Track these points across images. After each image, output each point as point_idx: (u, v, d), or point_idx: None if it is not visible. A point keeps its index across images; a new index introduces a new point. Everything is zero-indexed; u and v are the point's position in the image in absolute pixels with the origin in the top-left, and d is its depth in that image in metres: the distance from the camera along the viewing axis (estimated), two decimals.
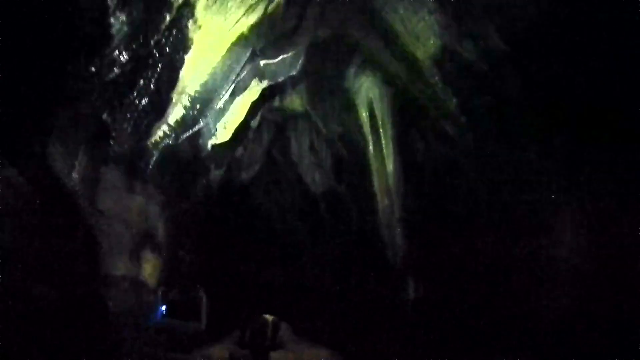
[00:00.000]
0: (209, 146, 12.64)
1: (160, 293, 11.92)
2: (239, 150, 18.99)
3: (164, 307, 12.45)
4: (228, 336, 13.56)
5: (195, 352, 11.90)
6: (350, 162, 16.49)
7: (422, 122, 11.34)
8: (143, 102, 8.48)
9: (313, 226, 19.50)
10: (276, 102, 17.33)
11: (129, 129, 8.57)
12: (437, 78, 9.93)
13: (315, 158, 18.27)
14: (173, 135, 10.15)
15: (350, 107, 14.77)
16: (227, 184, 19.34)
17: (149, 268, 11.94)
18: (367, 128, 12.72)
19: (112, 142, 8.37)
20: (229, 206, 20.02)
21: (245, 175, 20.21)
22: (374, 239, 15.58)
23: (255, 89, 12.84)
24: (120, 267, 10.67)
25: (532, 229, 9.97)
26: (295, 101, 16.96)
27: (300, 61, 13.17)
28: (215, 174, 19.03)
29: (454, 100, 9.93)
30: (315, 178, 18.68)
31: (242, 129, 14.01)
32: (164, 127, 9.66)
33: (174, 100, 9.45)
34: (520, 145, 9.81)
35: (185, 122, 10.38)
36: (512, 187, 10.07)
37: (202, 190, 18.45)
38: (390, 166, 11.89)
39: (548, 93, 9.24)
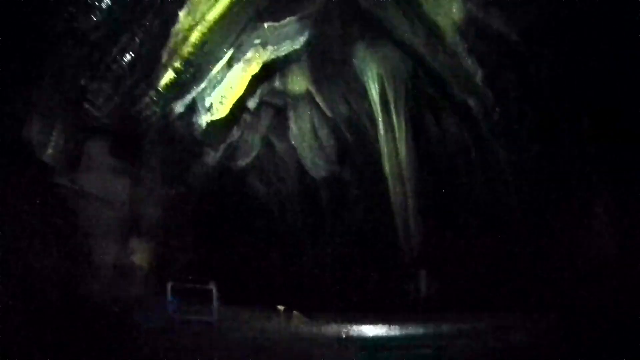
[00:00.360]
0: (204, 124, 11.35)
1: (169, 286, 11.30)
2: (236, 135, 17.99)
3: (174, 300, 11.81)
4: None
5: (207, 343, 11.14)
6: (356, 147, 15.38)
7: (441, 99, 10.21)
8: (126, 59, 7.21)
9: (314, 215, 18.44)
10: (277, 83, 16.23)
11: (111, 93, 7.30)
12: (461, 48, 8.79)
13: (316, 142, 17.15)
14: (162, 103, 8.78)
15: (357, 85, 13.66)
16: (223, 171, 18.35)
17: (140, 257, 11.09)
18: (377, 108, 11.52)
19: (92, 110, 7.12)
20: (224, 193, 18.97)
21: (242, 162, 19.14)
22: (382, 228, 14.60)
23: (256, 62, 11.58)
24: (105, 255, 9.66)
25: (562, 220, 9.05)
26: (297, 82, 15.82)
27: (305, 33, 11.94)
28: (211, 157, 18.06)
29: (480, 73, 8.80)
30: (318, 163, 17.57)
31: (239, 107, 12.75)
32: (152, 93, 8.36)
33: (163, 60, 8.19)
34: (552, 124, 8.75)
35: (176, 89, 9.05)
36: (540, 173, 9.03)
37: (197, 175, 17.54)
38: (402, 150, 10.74)
39: (585, 68, 8.24)
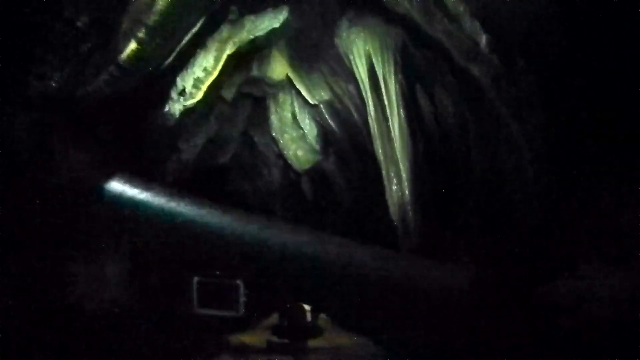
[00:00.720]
0: (177, 112, 10.10)
1: (195, 282, 11.65)
2: (213, 128, 16.85)
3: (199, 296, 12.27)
4: (265, 324, 12.97)
5: (233, 339, 11.55)
6: (341, 134, 14.30)
7: (435, 72, 9.15)
8: (79, 24, 5.90)
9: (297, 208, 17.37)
10: (254, 71, 15.08)
11: (61, 63, 6.00)
12: (462, 11, 7.72)
13: (299, 133, 16.06)
14: (121, 75, 7.45)
15: (341, 68, 12.56)
16: (201, 168, 17.20)
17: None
18: (365, 87, 10.40)
19: (36, 85, 5.83)
20: (202, 191, 17.80)
21: (221, 159, 17.97)
22: (375, 220, 13.60)
23: (232, 41, 10.37)
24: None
25: (568, 208, 8.08)
26: (276, 69, 14.67)
27: (284, 11, 10.80)
28: (186, 153, 16.96)
29: (484, 38, 7.75)
30: (298, 154, 16.49)
31: (215, 92, 11.52)
32: (112, 68, 7.04)
33: (124, 27, 6.92)
34: (564, 94, 7.76)
35: (141, 63, 7.71)
36: (555, 147, 8.03)
37: (172, 171, 16.42)
38: (396, 130, 9.65)
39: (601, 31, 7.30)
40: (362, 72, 10.33)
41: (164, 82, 9.26)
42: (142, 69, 7.90)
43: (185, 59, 9.57)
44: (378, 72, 9.86)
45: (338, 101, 13.32)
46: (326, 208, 17.17)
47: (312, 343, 11.62)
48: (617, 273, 7.51)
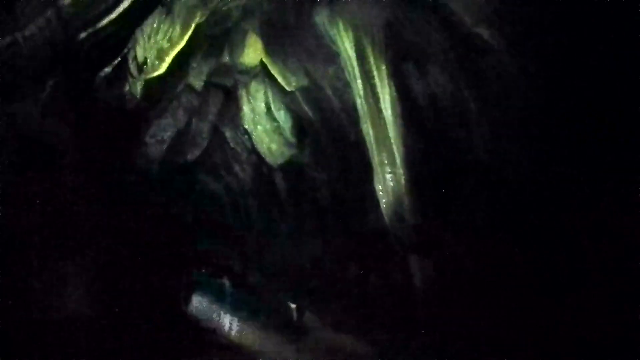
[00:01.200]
0: (138, 90, 8.66)
1: (183, 280, 12.02)
2: (181, 120, 15.52)
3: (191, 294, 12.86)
4: (253, 323, 12.95)
5: (222, 338, 11.84)
6: (318, 122, 13.04)
7: (436, 43, 8.00)
8: None
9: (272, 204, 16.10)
10: (226, 58, 13.81)
11: None
12: None
13: (273, 125, 14.80)
14: (60, 24, 5.89)
15: (320, 50, 11.36)
16: (168, 165, 15.85)
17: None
18: (352, 64, 9.14)
19: None
20: (170, 190, 16.44)
21: (190, 156, 16.61)
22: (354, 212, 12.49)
23: (200, 11, 9.03)
24: None
25: (573, 192, 7.21)
26: (249, 54, 13.42)
27: None
28: (153, 147, 15.67)
29: None
30: (272, 147, 15.23)
31: (182, 67, 10.15)
32: (49, 12, 5.50)
33: None
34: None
35: (84, 8, 6.12)
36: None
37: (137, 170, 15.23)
38: (389, 110, 8.44)
39: None
40: (348, 49, 9.09)
41: (117, 48, 7.74)
42: (84, 19, 6.31)
43: (147, 30, 8.17)
44: (366, 48, 8.64)
45: (316, 87, 12.08)
46: (302, 204, 15.96)
47: (298, 341, 11.37)
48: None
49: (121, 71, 8.15)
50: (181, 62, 9.56)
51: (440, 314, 8.56)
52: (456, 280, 8.39)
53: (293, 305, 12.36)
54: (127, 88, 8.50)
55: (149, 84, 8.68)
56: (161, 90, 9.82)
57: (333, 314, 12.42)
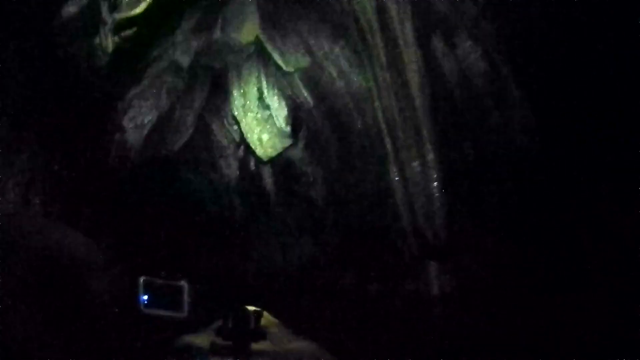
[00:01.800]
0: (110, 46, 6.95)
1: (141, 281, 9.78)
2: (164, 104, 13.97)
3: (145, 297, 10.24)
4: (209, 326, 11.72)
5: (176, 340, 11.30)
6: (318, 109, 11.49)
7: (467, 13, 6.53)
8: None
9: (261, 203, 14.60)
10: (218, 34, 12.31)
11: None
12: None
13: (265, 112, 13.29)
14: None
15: (325, 26, 9.85)
16: (148, 158, 14.29)
17: None
18: (374, 29, 7.55)
19: None
20: (149, 185, 14.94)
21: (171, 147, 15.05)
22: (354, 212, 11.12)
23: None
24: None
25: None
26: (243, 30, 11.91)
27: None
28: (131, 134, 14.24)
29: None
30: (263, 138, 13.73)
31: (162, 13, 8.46)
32: None
33: None
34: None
35: None
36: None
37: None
38: (415, 88, 6.86)
39: None
40: (368, 10, 7.51)
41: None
42: None
43: None
44: (391, 10, 7.07)
45: (318, 68, 10.56)
46: (294, 204, 14.51)
47: (255, 346, 10.58)
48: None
49: (90, 11, 6.45)
50: (165, 13, 7.88)
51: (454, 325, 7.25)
52: (479, 290, 6.96)
53: (251, 309, 11.28)
54: (97, 41, 6.80)
55: (124, 38, 6.96)
56: (137, 52, 8.08)
57: (294, 318, 11.97)
